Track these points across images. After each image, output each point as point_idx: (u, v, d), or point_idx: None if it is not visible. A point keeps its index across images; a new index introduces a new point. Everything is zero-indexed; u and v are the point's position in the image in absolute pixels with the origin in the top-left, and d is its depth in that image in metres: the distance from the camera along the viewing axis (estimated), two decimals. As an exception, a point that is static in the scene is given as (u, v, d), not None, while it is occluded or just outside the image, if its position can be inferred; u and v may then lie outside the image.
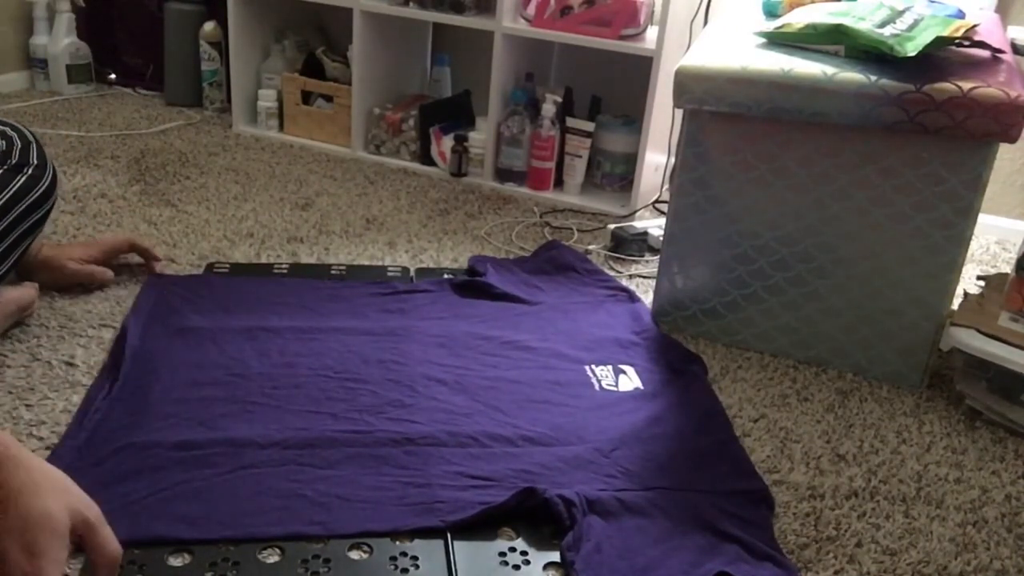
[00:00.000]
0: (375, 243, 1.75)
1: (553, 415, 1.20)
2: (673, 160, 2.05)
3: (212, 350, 1.27)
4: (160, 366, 1.22)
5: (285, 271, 1.56)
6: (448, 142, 2.15)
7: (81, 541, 0.77)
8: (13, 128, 1.24)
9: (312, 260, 1.64)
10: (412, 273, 1.61)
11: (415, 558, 0.94)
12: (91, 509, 0.78)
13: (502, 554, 0.95)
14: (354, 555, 0.93)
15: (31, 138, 1.26)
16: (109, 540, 0.78)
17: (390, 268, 1.62)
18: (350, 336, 1.35)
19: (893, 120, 1.25)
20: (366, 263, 1.65)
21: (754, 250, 1.40)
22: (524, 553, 0.96)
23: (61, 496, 0.77)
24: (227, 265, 1.57)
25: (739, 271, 1.43)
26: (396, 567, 0.92)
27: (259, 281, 1.50)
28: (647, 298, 1.58)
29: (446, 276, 1.60)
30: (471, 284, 1.55)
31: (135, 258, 1.52)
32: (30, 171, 1.22)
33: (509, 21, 2.02)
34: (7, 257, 1.21)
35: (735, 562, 0.96)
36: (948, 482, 1.17)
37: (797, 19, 1.42)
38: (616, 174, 2.13)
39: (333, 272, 1.58)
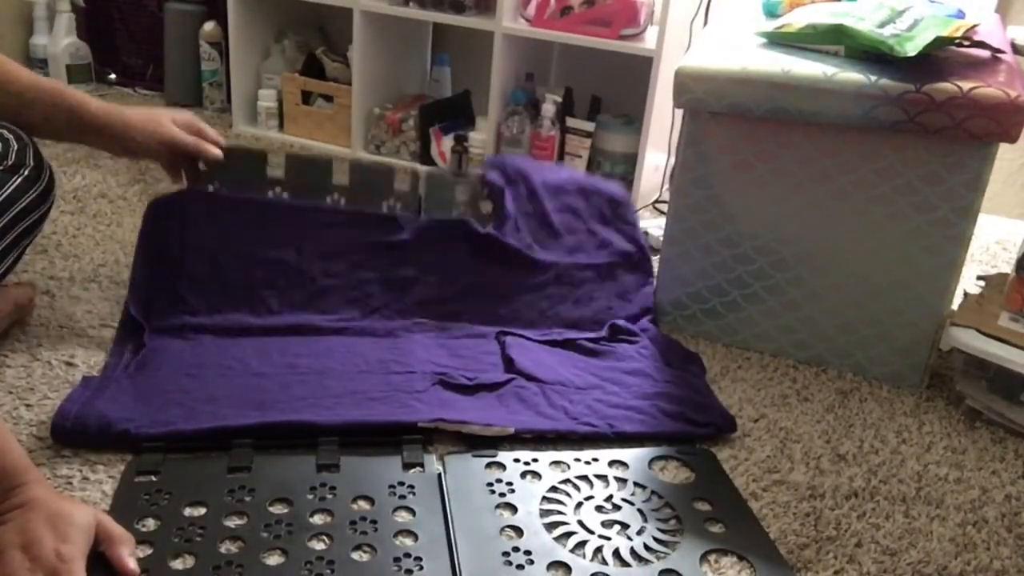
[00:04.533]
0: (375, 243, 1.74)
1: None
2: (673, 160, 2.05)
3: (213, 351, 1.27)
4: (163, 365, 1.22)
5: (280, 176, 1.42)
6: (448, 142, 2.15)
7: (99, 544, 0.87)
8: (10, 130, 1.24)
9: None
10: (421, 190, 1.47)
11: (419, 559, 0.94)
12: (112, 521, 0.89)
13: (505, 554, 0.95)
14: (356, 556, 0.93)
15: (27, 140, 1.25)
16: (124, 552, 0.88)
17: (398, 176, 1.47)
18: (351, 336, 1.35)
19: (893, 120, 1.25)
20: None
21: (754, 250, 1.40)
22: (528, 552, 0.96)
23: (85, 505, 0.90)
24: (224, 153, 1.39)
25: (739, 271, 1.43)
26: (400, 568, 0.92)
27: (253, 214, 1.42)
28: (647, 298, 1.58)
29: (455, 215, 1.48)
30: (485, 241, 1.46)
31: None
32: (26, 172, 1.21)
33: (509, 21, 2.02)
34: (4, 258, 1.21)
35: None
36: (948, 482, 1.17)
37: (797, 19, 1.42)
38: (616, 174, 2.12)
39: (334, 184, 1.44)
